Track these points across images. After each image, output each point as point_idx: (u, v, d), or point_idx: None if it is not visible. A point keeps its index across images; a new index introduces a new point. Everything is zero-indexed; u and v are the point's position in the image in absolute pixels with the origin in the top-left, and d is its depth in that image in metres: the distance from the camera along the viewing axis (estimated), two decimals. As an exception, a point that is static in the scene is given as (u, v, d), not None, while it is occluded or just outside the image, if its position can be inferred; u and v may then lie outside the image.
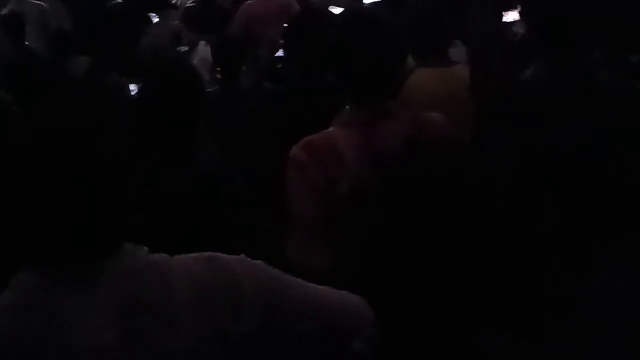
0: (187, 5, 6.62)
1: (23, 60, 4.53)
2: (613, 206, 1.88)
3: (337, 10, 4.51)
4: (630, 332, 1.31)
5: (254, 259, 1.40)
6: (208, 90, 3.91)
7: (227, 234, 2.19)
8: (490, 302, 1.10)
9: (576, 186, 1.95)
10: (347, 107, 2.35)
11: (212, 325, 1.29)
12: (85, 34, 6.31)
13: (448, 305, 1.10)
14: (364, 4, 5.07)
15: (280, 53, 4.52)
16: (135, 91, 3.21)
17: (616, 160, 1.91)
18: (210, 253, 1.38)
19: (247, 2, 6.06)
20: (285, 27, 3.60)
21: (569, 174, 1.96)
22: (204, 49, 5.50)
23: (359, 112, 2.31)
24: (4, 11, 6.64)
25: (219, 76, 4.13)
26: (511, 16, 6.15)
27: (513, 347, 1.17)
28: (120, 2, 7.13)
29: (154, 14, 6.83)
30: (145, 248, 1.34)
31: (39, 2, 7.10)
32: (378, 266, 1.14)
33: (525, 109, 2.11)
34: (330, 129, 2.34)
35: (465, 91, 2.78)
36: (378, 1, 4.89)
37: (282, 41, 4.00)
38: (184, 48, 5.85)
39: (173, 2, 7.25)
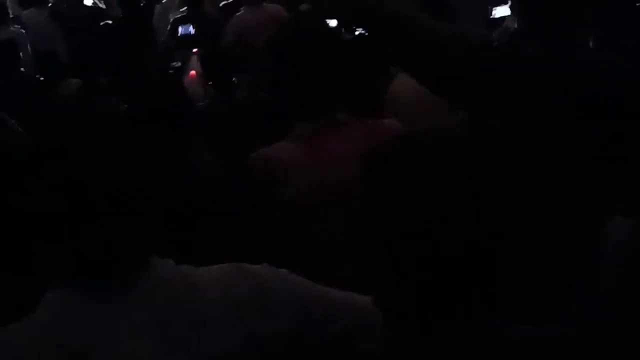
0: (175, 17, 6.59)
1: (19, 84, 4.54)
2: (610, 185, 1.86)
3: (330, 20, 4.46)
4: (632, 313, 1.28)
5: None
6: (200, 103, 3.90)
7: (229, 242, 2.21)
8: (490, 287, 1.07)
9: (573, 166, 1.94)
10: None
11: (244, 328, 1.31)
12: (77, 56, 6.31)
13: (447, 291, 1.07)
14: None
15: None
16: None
17: (611, 142, 1.90)
18: (235, 263, 1.39)
19: (238, 14, 6.06)
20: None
21: (564, 154, 1.95)
22: (197, 64, 5.48)
23: (306, 124, 2.34)
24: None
25: (210, 89, 4.11)
26: (501, 12, 6.18)
27: (517, 334, 1.14)
28: (111, 23, 7.13)
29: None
30: (171, 261, 1.35)
31: (17, 28, 7.15)
32: (373, 260, 1.11)
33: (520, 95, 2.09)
34: (282, 142, 2.38)
35: None
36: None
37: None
38: (177, 64, 5.83)
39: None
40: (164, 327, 1.27)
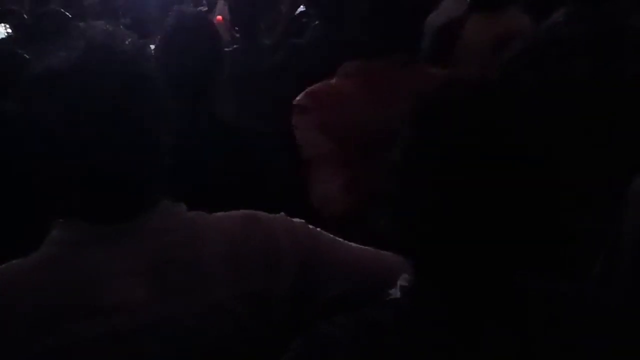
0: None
1: (45, 19, 4.52)
2: None
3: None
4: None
5: (277, 210, 1.37)
6: (227, 49, 3.86)
7: (248, 186, 2.17)
8: (524, 242, 1.06)
9: (607, 123, 1.92)
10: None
11: (247, 283, 1.28)
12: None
13: (483, 245, 1.05)
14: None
15: (302, 8, 4.46)
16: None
17: None
18: (250, 211, 1.35)
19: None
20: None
21: (599, 110, 1.93)
22: (223, 9, 5.44)
23: (366, 63, 2.29)
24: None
25: (237, 35, 4.05)
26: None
27: (551, 289, 1.13)
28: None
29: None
30: (184, 205, 1.31)
31: None
32: (412, 208, 1.09)
33: (555, 49, 2.07)
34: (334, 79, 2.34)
35: (515, 35, 2.77)
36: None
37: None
38: (203, 8, 5.79)
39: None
40: (160, 275, 1.25)
